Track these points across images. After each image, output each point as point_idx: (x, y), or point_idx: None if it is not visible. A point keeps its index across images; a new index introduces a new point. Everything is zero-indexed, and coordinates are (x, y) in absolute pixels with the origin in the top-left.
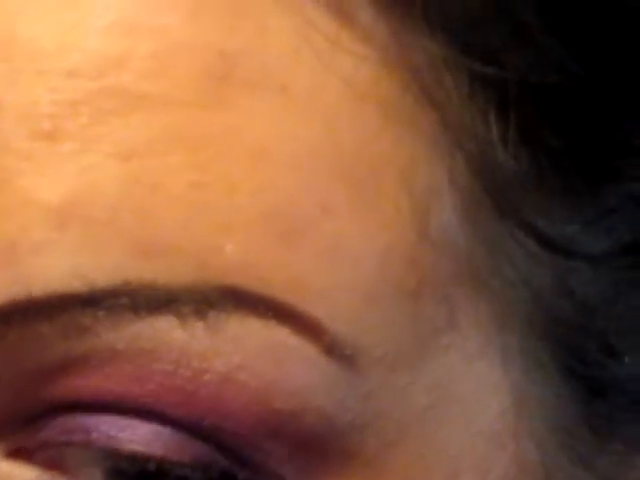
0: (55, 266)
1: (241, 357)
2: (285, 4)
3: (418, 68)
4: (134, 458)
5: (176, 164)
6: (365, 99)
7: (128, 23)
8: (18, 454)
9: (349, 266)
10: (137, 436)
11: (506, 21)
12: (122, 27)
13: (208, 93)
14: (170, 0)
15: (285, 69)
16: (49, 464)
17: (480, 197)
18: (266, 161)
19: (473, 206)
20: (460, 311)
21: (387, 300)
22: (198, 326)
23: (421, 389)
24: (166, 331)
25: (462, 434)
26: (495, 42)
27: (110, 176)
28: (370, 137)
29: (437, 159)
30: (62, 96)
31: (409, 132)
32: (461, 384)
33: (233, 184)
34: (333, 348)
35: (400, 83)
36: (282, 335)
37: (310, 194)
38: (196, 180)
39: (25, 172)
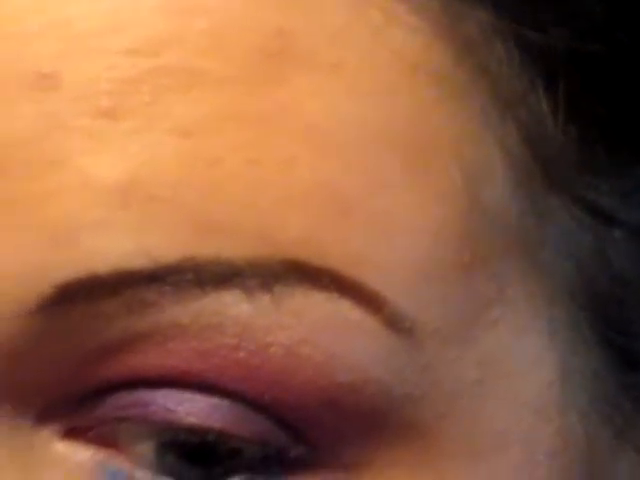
0: (118, 244)
1: (305, 330)
2: None
3: (470, 38)
4: (191, 431)
5: (233, 141)
6: (418, 71)
7: (184, 0)
8: (74, 433)
9: (405, 240)
10: (196, 409)
11: None
12: (178, 4)
13: (263, 70)
14: None
15: (338, 46)
16: (104, 442)
17: (530, 168)
18: (321, 137)
19: (524, 177)
20: (510, 284)
21: (441, 273)
22: (264, 299)
23: (471, 362)
24: (231, 305)
25: (510, 407)
26: (543, 11)
27: (171, 153)
28: (423, 110)
29: (489, 130)
30: (121, 74)
31: (461, 103)
32: (510, 357)
33: (290, 160)
34: (393, 320)
35: (452, 54)
36: (344, 308)
37: (365, 169)
38: (253, 156)
39: (85, 150)
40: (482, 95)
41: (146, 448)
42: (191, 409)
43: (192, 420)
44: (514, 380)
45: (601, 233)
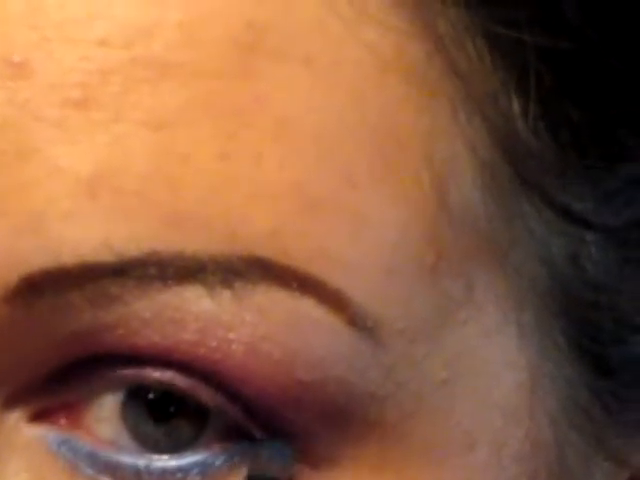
0: (85, 236)
1: (266, 327)
2: None
3: (442, 37)
4: (158, 384)
5: (204, 134)
6: (389, 69)
7: None
8: (40, 417)
9: (370, 238)
10: (161, 373)
11: None
12: None
13: (235, 63)
14: None
15: (310, 40)
16: (70, 424)
17: (500, 169)
18: (292, 132)
19: (493, 178)
20: (478, 285)
21: (407, 273)
22: (225, 295)
23: (439, 362)
24: (193, 301)
25: (478, 407)
26: (515, 10)
27: (141, 146)
28: (393, 107)
29: (458, 130)
30: (93, 65)
31: (431, 102)
32: (478, 358)
33: (260, 155)
34: (356, 319)
35: (424, 52)
36: (306, 306)
37: (334, 165)
38: (224, 151)
39: (55, 141)
40: (452, 94)
41: (110, 405)
42: (157, 371)
43: (158, 375)
44: (482, 381)
45: (574, 238)
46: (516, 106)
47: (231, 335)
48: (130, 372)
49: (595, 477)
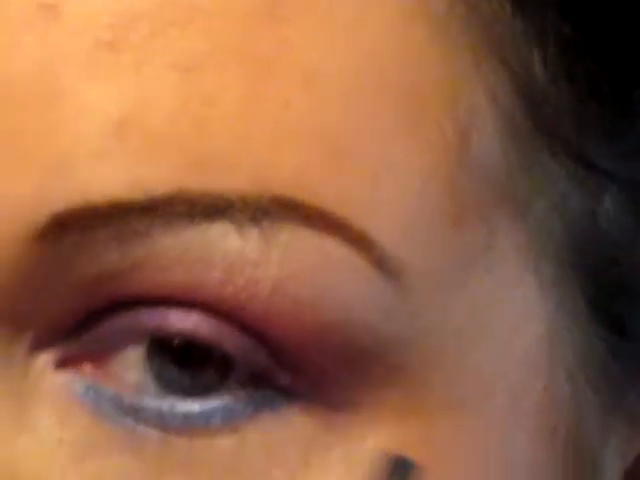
0: (113, 175)
1: (292, 266)
2: None
3: None
4: (181, 335)
5: (232, 78)
6: (413, 17)
7: None
8: (66, 364)
9: (394, 185)
10: (186, 318)
11: None
12: None
13: (263, 7)
14: None
15: None
16: (97, 368)
17: (521, 117)
18: (317, 81)
19: (514, 127)
20: (499, 235)
21: (429, 221)
22: (253, 233)
23: (460, 310)
24: (221, 238)
25: (498, 356)
26: None
27: (169, 87)
28: (417, 56)
29: (480, 77)
30: (122, 7)
31: (454, 50)
32: (498, 307)
33: (287, 100)
34: (381, 261)
35: (446, 0)
36: (332, 246)
37: (359, 113)
38: (251, 95)
39: (84, 82)
40: (474, 42)
41: (136, 353)
42: (182, 317)
43: (182, 326)
44: (503, 329)
45: (592, 193)
46: (536, 55)
47: (258, 273)
48: (153, 322)
49: (610, 443)
